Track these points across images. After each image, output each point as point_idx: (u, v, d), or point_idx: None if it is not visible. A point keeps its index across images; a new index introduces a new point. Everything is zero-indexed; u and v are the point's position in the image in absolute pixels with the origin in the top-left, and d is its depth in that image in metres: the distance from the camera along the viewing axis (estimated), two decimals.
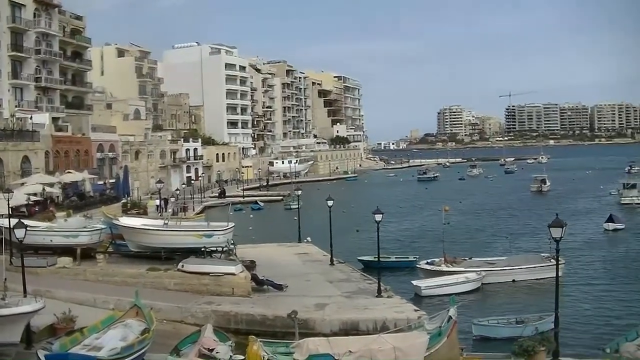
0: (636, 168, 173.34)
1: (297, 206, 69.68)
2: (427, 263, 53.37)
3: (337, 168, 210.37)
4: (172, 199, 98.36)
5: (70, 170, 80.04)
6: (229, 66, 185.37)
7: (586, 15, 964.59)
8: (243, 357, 24.66)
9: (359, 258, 56.82)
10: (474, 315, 39.87)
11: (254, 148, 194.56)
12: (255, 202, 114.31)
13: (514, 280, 51.08)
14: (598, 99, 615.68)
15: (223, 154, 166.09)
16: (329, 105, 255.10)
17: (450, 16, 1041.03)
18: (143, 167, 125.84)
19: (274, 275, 41.96)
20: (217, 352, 24.99)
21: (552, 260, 43.06)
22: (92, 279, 39.70)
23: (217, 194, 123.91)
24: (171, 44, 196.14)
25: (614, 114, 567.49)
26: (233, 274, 38.28)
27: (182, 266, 38.73)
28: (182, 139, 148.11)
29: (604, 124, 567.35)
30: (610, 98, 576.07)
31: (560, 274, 36.34)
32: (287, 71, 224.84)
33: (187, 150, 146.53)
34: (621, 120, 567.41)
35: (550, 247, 40.67)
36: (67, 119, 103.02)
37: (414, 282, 48.89)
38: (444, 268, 51.90)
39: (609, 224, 78.69)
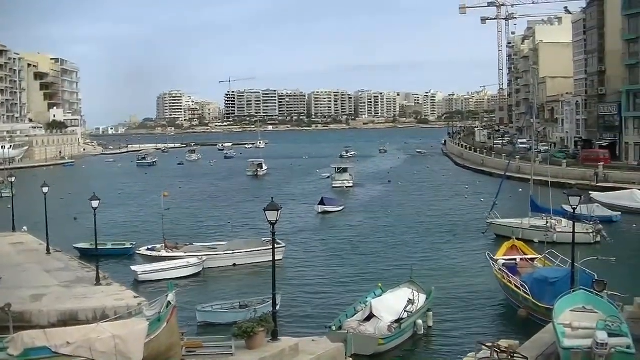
0: (352, 152, 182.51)
1: (9, 194, 66.91)
2: (148, 249, 53.13)
3: (60, 153, 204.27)
4: None
5: None
6: None
7: (304, 4, 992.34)
8: None
9: (75, 245, 55.58)
10: (197, 299, 40.26)
11: None
12: None
13: (235, 265, 51.92)
14: (315, 86, 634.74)
15: None
16: (45, 88, 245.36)
17: (173, 1, 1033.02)
18: None
19: None
20: None
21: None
22: None
23: None
24: None
25: (329, 101, 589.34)
26: None
27: None
28: None
29: (321, 110, 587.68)
30: (327, 86, 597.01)
31: (280, 257, 37.42)
32: (1, 52, 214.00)
33: None
34: (337, 107, 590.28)
35: (269, 230, 41.75)
36: None
37: (133, 268, 48.75)
38: (164, 254, 51.93)
39: (320, 206, 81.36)
